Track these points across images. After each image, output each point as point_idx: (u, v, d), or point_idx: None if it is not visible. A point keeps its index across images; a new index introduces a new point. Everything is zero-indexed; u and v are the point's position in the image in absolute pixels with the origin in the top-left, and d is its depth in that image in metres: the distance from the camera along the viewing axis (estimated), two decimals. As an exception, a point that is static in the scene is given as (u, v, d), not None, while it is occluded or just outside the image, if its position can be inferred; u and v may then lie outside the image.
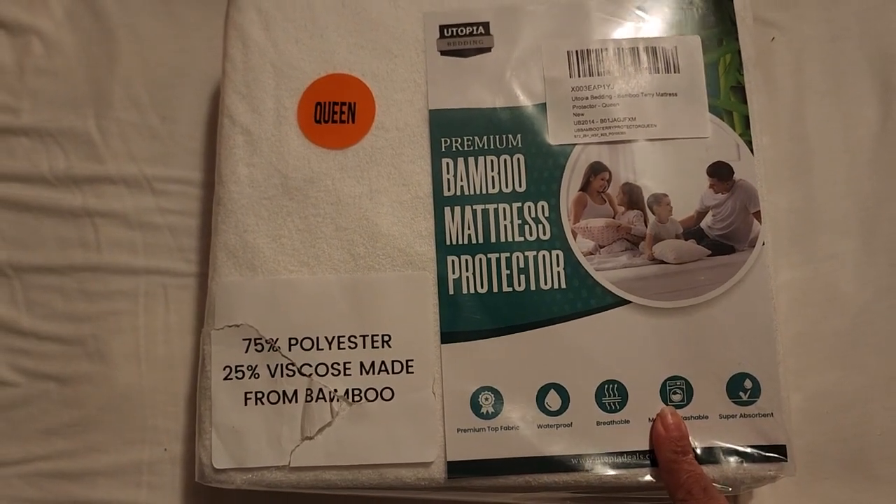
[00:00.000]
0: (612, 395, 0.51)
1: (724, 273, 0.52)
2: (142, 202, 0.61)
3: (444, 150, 0.54)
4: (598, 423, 0.51)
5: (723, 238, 0.52)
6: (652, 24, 0.56)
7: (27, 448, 0.58)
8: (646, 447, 0.50)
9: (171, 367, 0.59)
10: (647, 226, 0.53)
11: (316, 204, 0.53)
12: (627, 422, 0.51)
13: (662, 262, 0.52)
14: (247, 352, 0.52)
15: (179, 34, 0.65)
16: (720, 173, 0.53)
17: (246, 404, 0.51)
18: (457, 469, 0.50)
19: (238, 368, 0.52)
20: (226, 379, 0.51)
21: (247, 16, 0.56)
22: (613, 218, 0.53)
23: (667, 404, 0.51)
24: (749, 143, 0.54)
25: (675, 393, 0.51)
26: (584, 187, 0.53)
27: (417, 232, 0.53)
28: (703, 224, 0.53)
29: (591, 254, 0.52)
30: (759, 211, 0.53)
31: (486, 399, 0.51)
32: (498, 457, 0.50)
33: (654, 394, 0.51)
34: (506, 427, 0.51)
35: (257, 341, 0.52)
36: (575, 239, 0.52)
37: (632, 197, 0.53)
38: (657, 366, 0.51)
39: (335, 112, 0.54)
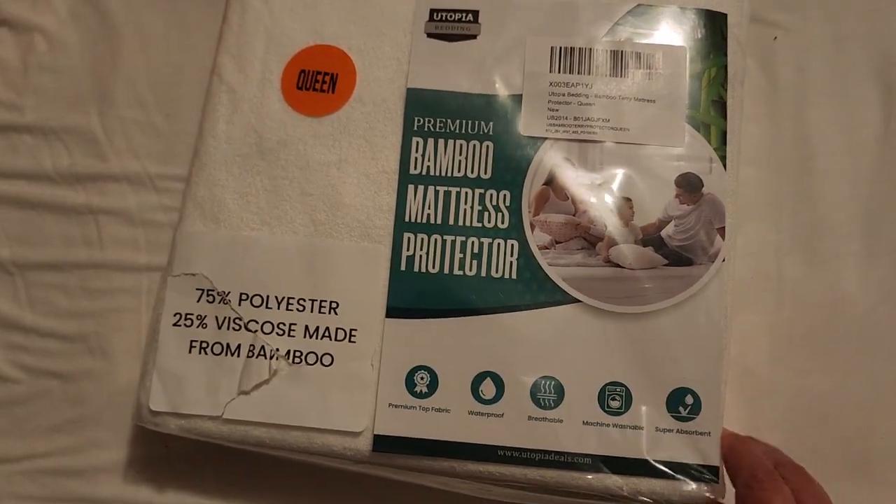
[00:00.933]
0: (547, 392, 0.51)
1: (679, 284, 0.52)
2: (145, 200, 0.63)
3: (416, 128, 0.56)
4: (530, 418, 0.51)
5: (682, 249, 0.53)
6: (641, 30, 0.57)
7: (29, 445, 0.59)
8: (577, 449, 0.51)
9: None
10: (606, 228, 0.53)
11: (285, 167, 0.56)
12: (560, 421, 0.51)
13: (617, 265, 0.53)
14: (199, 301, 0.54)
15: (183, 32, 0.66)
16: (688, 184, 0.53)
17: (190, 352, 0.53)
18: (383, 443, 0.51)
19: (188, 316, 0.54)
20: (175, 325, 0.54)
21: (248, -19, 0.59)
22: (574, 216, 0.53)
23: (604, 409, 0.51)
24: (723, 159, 0.54)
25: (613, 399, 0.51)
26: (549, 182, 0.54)
27: (378, 206, 0.55)
28: (663, 233, 0.53)
29: (547, 248, 0.53)
30: (725, 227, 0.53)
31: (422, 378, 0.52)
32: (425, 437, 0.51)
33: (591, 397, 0.51)
34: (437, 409, 0.52)
35: (210, 292, 0.54)
36: (532, 232, 0.53)
37: (595, 197, 0.54)
38: (598, 369, 0.52)
39: (317, 81, 0.57)
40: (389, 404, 0.52)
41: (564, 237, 0.53)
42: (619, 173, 0.54)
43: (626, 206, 0.53)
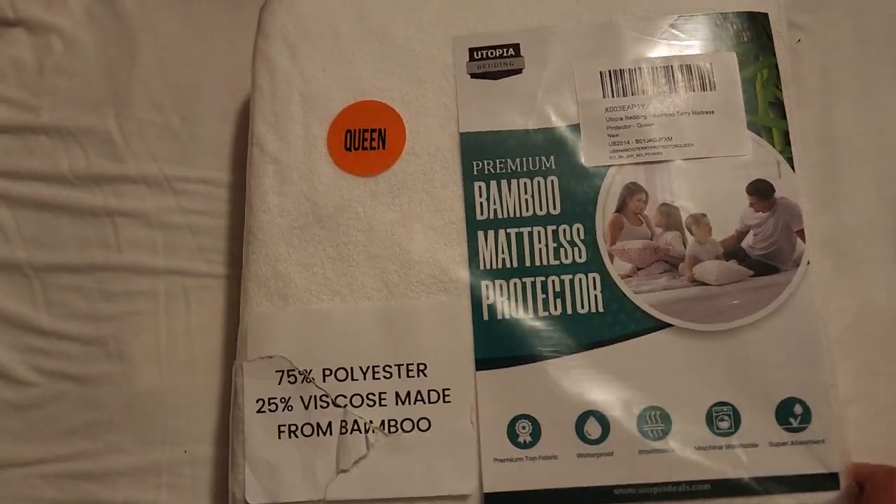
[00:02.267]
0: (654, 423, 0.52)
1: (769, 294, 0.53)
2: (162, 202, 0.64)
3: (475, 173, 0.56)
4: (641, 452, 0.51)
5: (765, 258, 0.53)
6: (686, 41, 0.58)
7: (47, 448, 0.60)
8: (693, 477, 0.51)
9: (191, 368, 0.61)
10: (685, 247, 0.54)
11: (347, 232, 0.56)
12: (672, 450, 0.51)
13: (703, 283, 0.53)
14: (280, 384, 0.54)
15: (200, 34, 0.68)
16: (761, 191, 0.54)
17: (279, 437, 0.53)
18: (494, 501, 0.51)
19: (271, 401, 0.53)
20: (259, 412, 0.53)
21: (273, 45, 0.60)
22: (651, 239, 0.54)
23: (713, 432, 0.51)
24: (790, 160, 0.55)
25: (721, 420, 0.52)
26: (620, 209, 0.55)
27: (451, 258, 0.55)
28: (744, 244, 0.54)
29: (629, 276, 0.54)
30: (803, 229, 0.54)
31: (524, 428, 0.52)
32: (536, 487, 0.51)
33: (699, 421, 0.52)
34: (544, 457, 0.52)
35: (290, 373, 0.54)
36: (612, 261, 0.54)
37: (669, 218, 0.54)
38: (702, 391, 0.52)
39: (365, 139, 0.57)
40: (495, 459, 0.52)
41: (645, 262, 0.54)
42: (690, 190, 0.55)
43: (703, 221, 0.54)
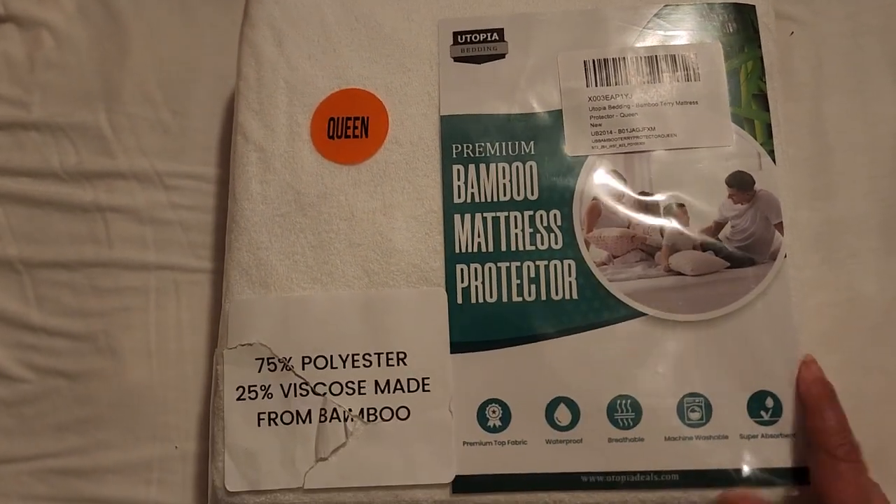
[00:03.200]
0: (625, 411, 0.53)
1: (744, 286, 0.54)
2: (153, 197, 0.65)
3: (454, 156, 0.58)
4: (611, 440, 0.53)
5: (742, 250, 0.55)
6: (671, 31, 0.59)
7: (37, 444, 0.61)
8: (662, 467, 0.52)
9: (182, 363, 0.62)
10: (663, 236, 0.55)
11: (329, 220, 0.57)
12: (642, 440, 0.53)
13: (679, 273, 0.55)
14: (260, 371, 0.55)
15: (192, 28, 0.69)
16: (740, 183, 0.55)
17: (259, 425, 0.55)
18: (463, 484, 0.53)
19: (251, 388, 0.55)
20: (239, 399, 0.55)
21: (259, 32, 0.61)
22: (628, 228, 0.55)
23: (684, 422, 0.53)
24: (771, 153, 0.56)
25: (692, 411, 0.53)
26: (599, 196, 0.56)
27: (432, 247, 0.56)
28: (721, 235, 0.55)
29: (605, 264, 0.55)
30: (782, 222, 0.55)
31: (494, 412, 0.54)
32: (505, 472, 0.53)
33: (670, 411, 0.53)
34: (513, 441, 0.53)
35: (270, 361, 0.55)
36: (588, 249, 0.55)
37: (648, 207, 0.56)
38: (674, 382, 0.53)
39: (348, 127, 0.59)
40: (464, 442, 0.54)
41: (621, 251, 0.55)
42: (669, 179, 0.56)
43: (681, 211, 0.55)
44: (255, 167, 0.59)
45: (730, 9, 0.58)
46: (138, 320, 0.63)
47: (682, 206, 0.55)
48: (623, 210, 0.56)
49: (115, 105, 0.67)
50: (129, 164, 0.66)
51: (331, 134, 0.58)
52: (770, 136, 0.56)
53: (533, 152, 0.57)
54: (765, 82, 0.57)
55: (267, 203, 0.58)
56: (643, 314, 0.54)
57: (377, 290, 0.56)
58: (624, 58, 0.58)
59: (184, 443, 0.61)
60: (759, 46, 0.57)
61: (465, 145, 0.57)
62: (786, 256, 0.54)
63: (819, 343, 0.58)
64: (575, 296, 0.55)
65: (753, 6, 0.58)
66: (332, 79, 0.60)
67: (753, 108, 0.56)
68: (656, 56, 0.58)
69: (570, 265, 0.55)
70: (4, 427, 0.62)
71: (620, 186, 0.56)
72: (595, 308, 0.54)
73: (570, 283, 0.55)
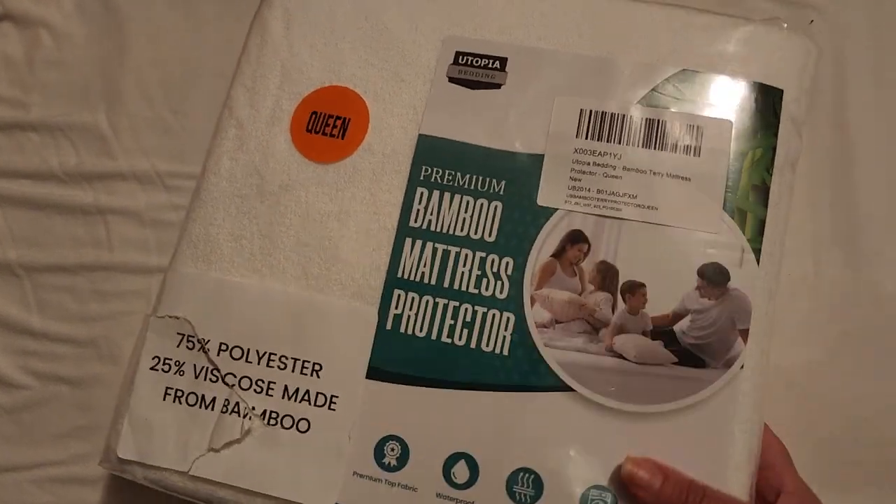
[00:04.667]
0: (525, 486, 0.51)
1: (686, 387, 0.51)
2: (154, 199, 0.66)
3: (422, 178, 0.56)
4: (504, 512, 0.51)
5: (695, 349, 0.51)
6: (683, 97, 0.55)
7: (39, 452, 0.62)
8: None
9: None
10: (613, 313, 0.52)
11: (284, 213, 0.57)
12: (538, 520, 0.51)
13: (621, 356, 0.52)
14: (178, 346, 0.56)
15: (192, 27, 0.69)
16: (713, 277, 0.52)
17: (164, 399, 0.55)
18: (343, 515, 0.53)
19: (166, 361, 0.56)
20: (152, 369, 0.56)
21: (274, 12, 0.62)
22: (580, 295, 0.53)
23: (585, 516, 0.50)
24: (757, 252, 0.52)
25: (597, 503, 0.50)
26: (558, 254, 0.54)
27: (376, 265, 0.55)
28: (676, 327, 0.52)
29: (546, 327, 0.53)
30: (748, 329, 0.51)
31: (392, 450, 0.53)
32: None
33: (572, 498, 0.50)
34: (404, 485, 0.52)
35: (190, 338, 0.56)
36: (532, 306, 0.53)
37: (606, 277, 0.53)
38: (586, 469, 0.51)
39: (328, 125, 0.58)
40: (354, 472, 0.53)
41: (566, 317, 0.53)
42: (636, 254, 0.53)
43: (639, 291, 0.52)
44: (231, 142, 0.59)
45: (754, 87, 0.54)
46: (140, 325, 0.62)
47: (642, 285, 0.52)
48: (578, 275, 0.53)
49: (115, 105, 0.67)
50: (130, 164, 0.66)
51: (309, 128, 0.58)
52: (761, 233, 0.52)
53: (502, 192, 0.55)
54: (771, 175, 0.53)
55: (231, 181, 0.58)
56: (571, 389, 0.51)
57: (311, 295, 0.55)
58: (624, 115, 0.55)
59: None
60: (776, 135, 0.54)
61: (434, 169, 0.56)
62: (742, 367, 0.50)
63: (842, 342, 0.59)
64: (505, 352, 0.53)
65: (781, 91, 0.54)
66: (326, 72, 0.60)
67: (750, 200, 0.53)
68: (658, 120, 0.55)
69: (508, 319, 0.53)
70: (5, 434, 0.63)
71: (583, 249, 0.53)
72: (522, 370, 0.52)
73: (504, 337, 0.53)
